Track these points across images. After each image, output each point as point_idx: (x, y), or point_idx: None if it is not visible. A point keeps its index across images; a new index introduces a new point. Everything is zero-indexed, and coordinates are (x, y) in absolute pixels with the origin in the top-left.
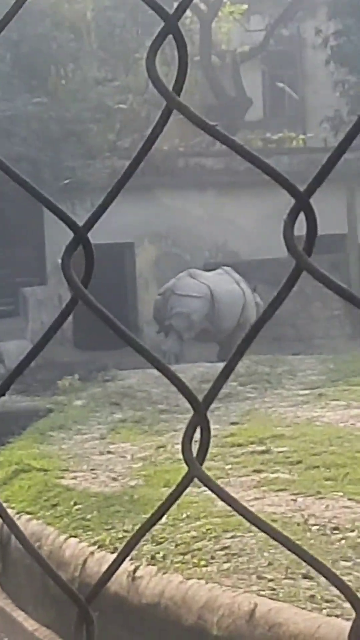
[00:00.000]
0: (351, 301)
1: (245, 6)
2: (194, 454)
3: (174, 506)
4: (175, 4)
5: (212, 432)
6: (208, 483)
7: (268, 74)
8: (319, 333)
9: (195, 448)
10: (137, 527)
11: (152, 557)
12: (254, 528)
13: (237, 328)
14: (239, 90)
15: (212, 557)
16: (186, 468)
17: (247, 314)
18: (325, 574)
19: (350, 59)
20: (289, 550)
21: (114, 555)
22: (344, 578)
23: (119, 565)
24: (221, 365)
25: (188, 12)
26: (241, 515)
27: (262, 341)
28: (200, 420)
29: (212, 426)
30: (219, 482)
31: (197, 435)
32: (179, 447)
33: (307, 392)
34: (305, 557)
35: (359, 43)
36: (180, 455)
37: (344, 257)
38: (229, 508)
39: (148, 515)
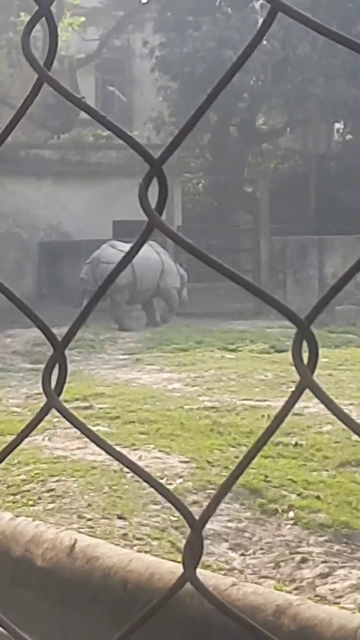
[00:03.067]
0: (216, 268)
1: (82, 18)
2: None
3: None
4: None
5: (42, 390)
6: (64, 412)
7: (100, 79)
8: (138, 305)
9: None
10: None
11: None
12: (76, 473)
13: (156, 293)
14: (75, 92)
15: (39, 498)
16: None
17: (167, 281)
18: (168, 498)
19: (172, 67)
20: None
21: None
22: (153, 519)
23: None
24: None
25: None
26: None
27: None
28: (58, 358)
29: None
30: (46, 432)
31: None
32: (13, 400)
33: (126, 357)
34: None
35: (181, 54)
36: (14, 409)
37: (162, 240)
38: (55, 455)
39: None
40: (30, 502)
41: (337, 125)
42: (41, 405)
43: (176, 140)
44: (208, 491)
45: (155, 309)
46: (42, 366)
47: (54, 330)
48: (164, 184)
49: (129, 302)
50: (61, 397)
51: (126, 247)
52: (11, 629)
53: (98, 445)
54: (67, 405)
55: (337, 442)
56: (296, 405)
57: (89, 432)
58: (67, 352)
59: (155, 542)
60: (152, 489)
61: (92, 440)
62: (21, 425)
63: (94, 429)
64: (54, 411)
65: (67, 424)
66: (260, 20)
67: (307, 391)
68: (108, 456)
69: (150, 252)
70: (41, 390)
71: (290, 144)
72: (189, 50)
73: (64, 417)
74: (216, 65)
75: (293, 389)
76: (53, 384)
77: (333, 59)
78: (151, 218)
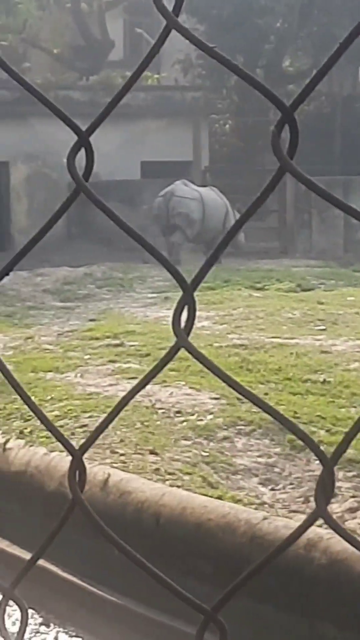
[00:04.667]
0: (332, 202)
1: None
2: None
3: (40, 388)
4: None
5: (73, 327)
6: (194, 352)
7: (129, 21)
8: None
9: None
10: (7, 405)
11: (21, 432)
12: (108, 409)
13: (221, 233)
14: (103, 34)
15: (73, 434)
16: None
17: (229, 224)
18: (300, 436)
19: (200, 10)
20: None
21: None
22: (184, 455)
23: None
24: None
25: None
26: (224, 382)
27: (115, 251)
28: (187, 300)
29: (72, 322)
30: (78, 370)
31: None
32: (45, 338)
33: (155, 295)
34: (276, 416)
35: None
36: (46, 346)
37: (190, 180)
38: (88, 391)
39: (16, 396)
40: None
41: None
42: (72, 342)
43: (309, 86)
44: (238, 427)
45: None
46: (72, 304)
47: (84, 269)
48: (295, 131)
49: (195, 239)
50: (93, 335)
51: (197, 188)
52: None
53: (231, 386)
54: (98, 343)
55: None
56: (324, 344)
57: (219, 372)
58: (96, 290)
59: (187, 477)
60: (184, 425)
61: (224, 381)
62: (53, 362)
63: (125, 365)
64: (86, 349)
65: (99, 361)
66: None
67: (334, 330)
68: (140, 392)
69: (215, 195)
70: (72, 328)
71: (316, 86)
72: None
73: (194, 356)
74: (243, 8)
75: (320, 327)
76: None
77: (359, 1)
78: (283, 163)
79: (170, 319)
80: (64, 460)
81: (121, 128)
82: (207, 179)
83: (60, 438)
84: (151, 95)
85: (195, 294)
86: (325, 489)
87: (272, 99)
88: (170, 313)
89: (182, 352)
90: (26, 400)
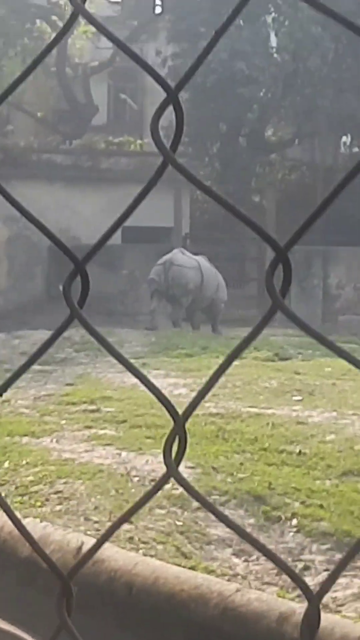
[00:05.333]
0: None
1: None
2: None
3: (16, 453)
4: None
5: (50, 391)
6: (182, 482)
7: (113, 86)
8: (144, 310)
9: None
10: None
11: None
12: (83, 475)
13: (212, 303)
14: (87, 98)
15: (47, 500)
16: None
17: (221, 293)
18: (284, 569)
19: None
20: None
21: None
22: (159, 523)
23: (99, 547)
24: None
25: (47, 28)
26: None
27: (95, 315)
28: (178, 431)
29: (49, 386)
30: (54, 435)
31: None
32: (22, 402)
33: (132, 360)
34: (256, 545)
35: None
36: (22, 410)
37: (169, 247)
38: (63, 457)
39: None
40: (38, 504)
41: (344, 138)
42: (48, 407)
43: (306, 223)
44: (213, 497)
45: (216, 316)
46: (50, 367)
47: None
48: (288, 271)
49: (190, 306)
50: (70, 400)
51: (193, 256)
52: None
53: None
54: (74, 408)
55: (340, 452)
56: (300, 415)
57: (213, 509)
58: (74, 354)
59: (160, 546)
60: (158, 493)
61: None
62: (30, 426)
63: (101, 431)
64: (63, 414)
65: (75, 426)
66: (272, 34)
67: (311, 401)
68: (115, 460)
69: (208, 264)
70: (49, 392)
71: (298, 155)
72: None
73: (183, 487)
74: (227, 77)
75: (297, 397)
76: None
77: (342, 72)
78: (275, 301)
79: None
80: (37, 527)
81: (103, 192)
82: (188, 246)
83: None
84: (133, 160)
85: (172, 360)
86: (309, 625)
87: (264, 235)
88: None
89: (157, 419)
90: None
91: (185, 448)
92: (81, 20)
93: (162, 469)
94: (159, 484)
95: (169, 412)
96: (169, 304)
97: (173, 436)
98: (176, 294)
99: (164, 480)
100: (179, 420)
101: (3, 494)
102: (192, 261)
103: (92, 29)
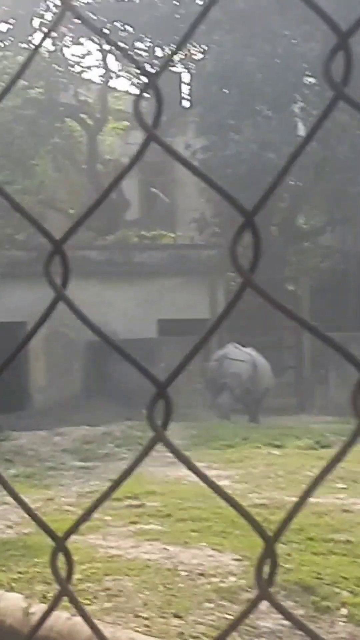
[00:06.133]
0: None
1: (126, 123)
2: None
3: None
4: None
5: (93, 488)
6: (170, 446)
7: (144, 181)
8: (183, 403)
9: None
10: (30, 569)
11: (44, 596)
12: (131, 572)
13: (261, 396)
14: (119, 194)
15: (95, 597)
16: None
17: (270, 382)
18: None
19: (215, 170)
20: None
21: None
22: (207, 618)
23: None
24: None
25: (77, 126)
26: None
27: (134, 408)
28: (162, 394)
29: (92, 482)
30: (100, 532)
31: None
32: (65, 499)
33: None
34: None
35: (223, 157)
36: (67, 507)
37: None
38: (110, 553)
39: (39, 559)
40: (87, 601)
41: None
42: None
43: (272, 186)
44: None
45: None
46: (92, 464)
47: (103, 428)
48: (257, 238)
49: (240, 396)
50: (113, 496)
51: (248, 349)
52: None
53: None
54: (118, 504)
55: None
56: (345, 502)
57: (198, 472)
58: (116, 449)
59: None
60: (207, 587)
61: (203, 480)
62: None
63: (146, 527)
64: (107, 510)
65: (120, 522)
66: (300, 123)
67: (355, 488)
68: (161, 554)
69: (260, 357)
70: (92, 489)
71: (330, 242)
72: (231, 153)
73: (171, 451)
74: (258, 167)
75: (341, 485)
76: None
77: None
78: (244, 276)
79: (190, 479)
80: (86, 625)
81: (138, 287)
82: (224, 335)
83: None
84: (167, 253)
85: (214, 451)
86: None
87: (229, 199)
88: (191, 472)
89: (202, 512)
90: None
91: (171, 412)
92: (110, 117)
93: (208, 563)
94: (147, 448)
95: (150, 380)
96: (222, 395)
97: (155, 401)
98: (229, 384)
99: (152, 443)
100: (162, 385)
101: (51, 593)
102: (245, 355)
103: (122, 125)
